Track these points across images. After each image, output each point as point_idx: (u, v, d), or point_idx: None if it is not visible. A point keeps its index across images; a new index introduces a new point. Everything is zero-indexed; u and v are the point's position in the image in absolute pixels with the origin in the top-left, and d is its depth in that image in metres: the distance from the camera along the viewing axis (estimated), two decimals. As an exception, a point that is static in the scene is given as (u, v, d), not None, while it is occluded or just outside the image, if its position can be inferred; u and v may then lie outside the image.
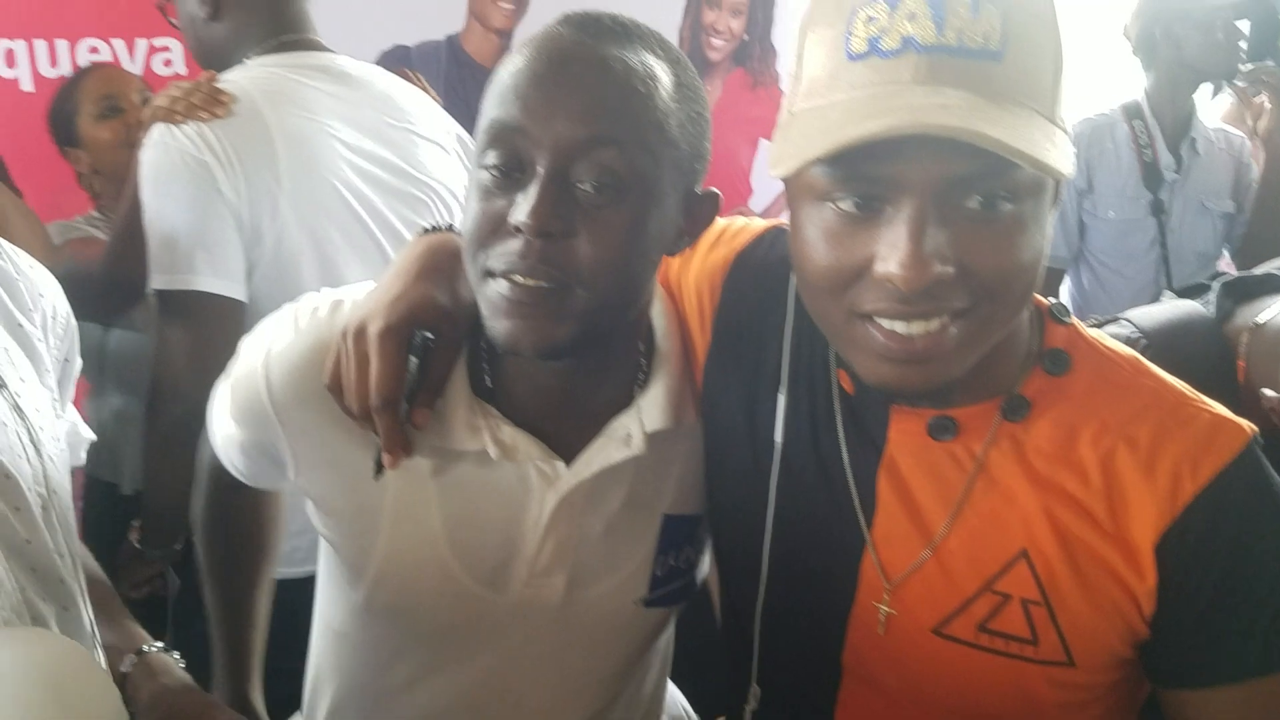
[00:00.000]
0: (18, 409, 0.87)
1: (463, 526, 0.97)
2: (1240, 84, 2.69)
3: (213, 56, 1.74)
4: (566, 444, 0.96)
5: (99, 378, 2.03)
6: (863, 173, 0.75)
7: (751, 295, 1.00)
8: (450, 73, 2.51)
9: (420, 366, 0.90)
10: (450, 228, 1.05)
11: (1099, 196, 2.61)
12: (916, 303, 0.76)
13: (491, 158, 0.83)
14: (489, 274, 0.85)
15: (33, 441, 0.87)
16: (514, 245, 0.83)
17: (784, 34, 2.96)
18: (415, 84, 1.85)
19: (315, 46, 1.75)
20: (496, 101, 0.84)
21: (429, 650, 1.03)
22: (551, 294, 0.84)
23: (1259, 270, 1.50)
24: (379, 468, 0.92)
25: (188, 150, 1.54)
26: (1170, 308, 1.44)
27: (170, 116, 1.57)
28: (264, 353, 0.97)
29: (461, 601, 0.98)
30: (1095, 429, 0.86)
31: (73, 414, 1.11)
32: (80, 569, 0.93)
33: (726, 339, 1.01)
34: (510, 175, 0.83)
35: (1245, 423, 0.85)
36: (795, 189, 0.81)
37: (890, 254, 0.74)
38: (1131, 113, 2.63)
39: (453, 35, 2.51)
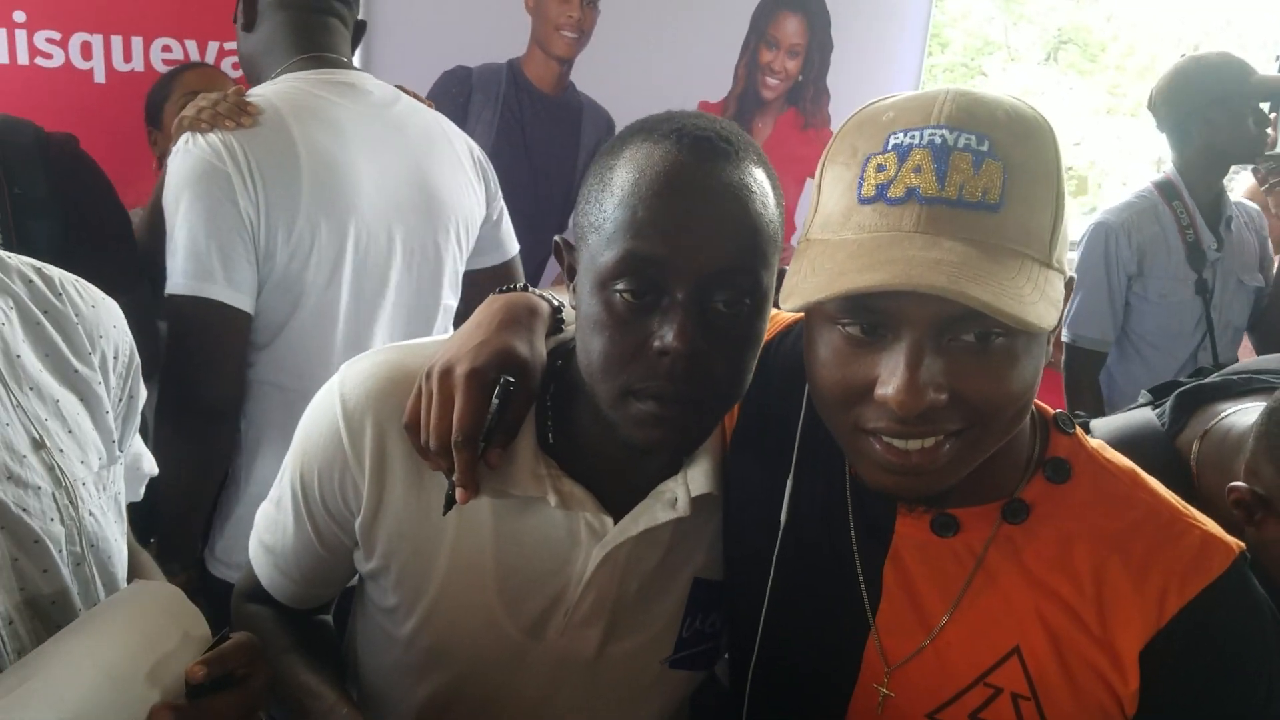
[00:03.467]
0: (55, 470, 0.88)
1: (512, 573, 1.02)
2: (1262, 167, 2.74)
3: (249, 68, 1.78)
4: (615, 502, 1.02)
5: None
6: (867, 305, 0.81)
7: (776, 383, 1.05)
8: (509, 95, 2.57)
9: (499, 409, 0.95)
10: (525, 287, 1.11)
11: (1149, 279, 2.63)
12: (912, 424, 0.81)
13: (627, 284, 0.88)
14: (631, 394, 0.90)
15: (71, 501, 0.89)
16: (658, 367, 0.88)
17: (837, 78, 2.99)
18: (419, 100, 1.86)
19: (342, 64, 1.78)
20: (629, 232, 0.88)
21: (460, 691, 1.07)
22: (692, 405, 0.91)
23: (1218, 376, 1.53)
24: (449, 503, 0.97)
25: (209, 159, 1.57)
26: (1125, 419, 1.48)
27: (196, 125, 1.61)
28: (337, 386, 1.02)
29: (500, 645, 1.03)
30: (1091, 538, 0.90)
31: (137, 447, 1.12)
32: None
33: (751, 421, 1.07)
34: (644, 300, 0.88)
35: (1234, 541, 0.89)
36: (810, 309, 0.86)
37: (889, 379, 0.80)
38: (1168, 194, 2.65)
39: (514, 59, 2.56)
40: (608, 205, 0.90)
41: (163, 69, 2.39)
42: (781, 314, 1.11)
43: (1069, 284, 0.87)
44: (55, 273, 0.98)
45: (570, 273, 0.98)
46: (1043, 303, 0.78)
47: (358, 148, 1.69)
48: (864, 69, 3.01)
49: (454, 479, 0.95)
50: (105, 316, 1.01)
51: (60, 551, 0.87)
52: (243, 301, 1.61)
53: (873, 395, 0.82)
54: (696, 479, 1.03)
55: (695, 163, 0.89)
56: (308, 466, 1.03)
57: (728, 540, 1.08)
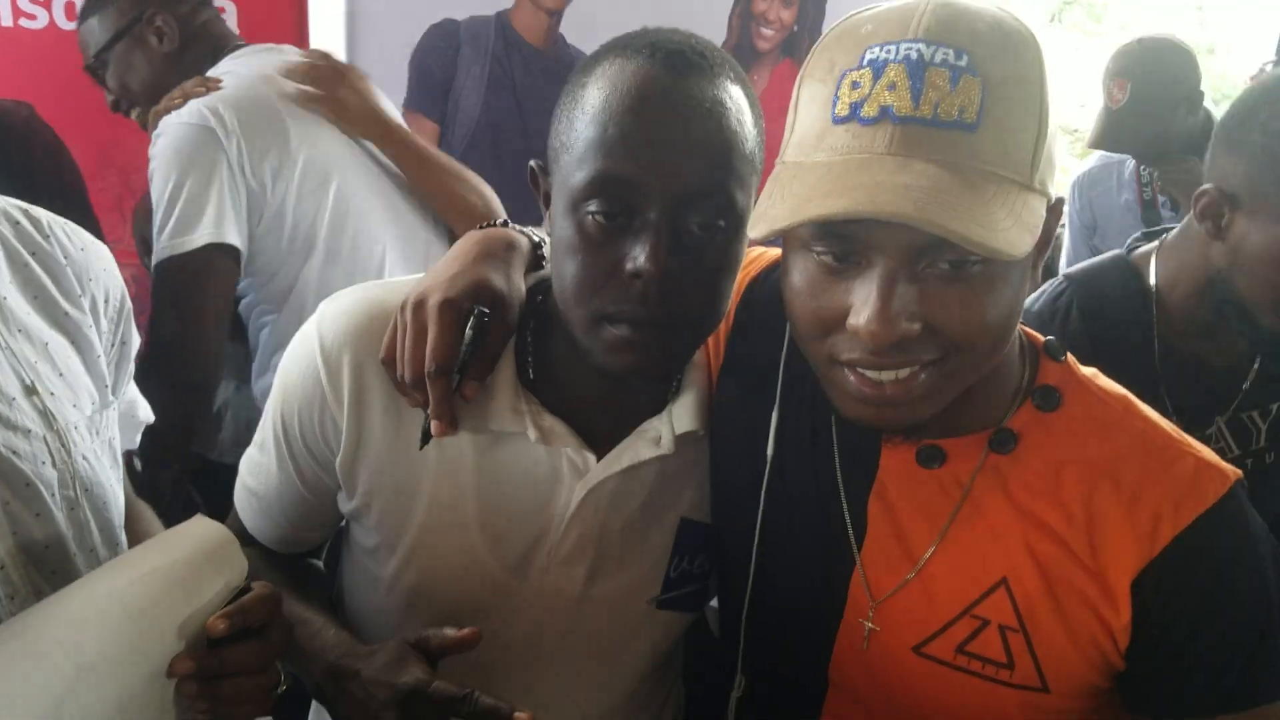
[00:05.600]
0: (46, 414, 0.87)
1: (494, 510, 1.01)
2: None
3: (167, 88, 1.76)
4: (599, 440, 1.00)
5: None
6: (839, 232, 0.78)
7: (760, 319, 1.04)
8: (498, 49, 2.53)
9: (474, 340, 0.94)
10: (505, 223, 1.09)
11: (1103, 234, 2.68)
12: (886, 354, 0.79)
13: (598, 205, 0.86)
14: (604, 318, 0.88)
15: (62, 445, 0.88)
16: (630, 290, 0.87)
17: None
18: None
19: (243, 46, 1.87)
20: (600, 151, 0.86)
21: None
22: (666, 330, 0.89)
23: None
24: (425, 438, 0.96)
25: (189, 121, 1.63)
26: (1097, 258, 1.50)
27: (169, 106, 1.66)
28: (314, 324, 1.01)
29: (484, 585, 1.02)
30: (1081, 466, 0.88)
31: (131, 394, 1.11)
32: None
33: (736, 358, 1.05)
34: (616, 221, 0.86)
35: (1230, 468, 0.87)
36: (784, 235, 0.84)
37: (861, 309, 0.78)
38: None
39: (502, 11, 2.52)
40: (579, 124, 0.88)
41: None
42: (770, 250, 1.10)
43: (1056, 205, 0.84)
44: (43, 214, 0.96)
45: (545, 199, 0.96)
46: (1015, 228, 0.75)
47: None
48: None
49: (429, 412, 0.94)
50: (95, 260, 0.99)
51: (53, 495, 0.86)
52: (234, 238, 1.65)
53: (846, 325, 0.80)
54: (681, 416, 1.01)
55: (668, 78, 0.86)
56: (288, 406, 1.02)
57: (715, 479, 1.07)
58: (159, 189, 1.64)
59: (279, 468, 1.05)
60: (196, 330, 1.66)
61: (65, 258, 0.95)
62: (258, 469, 1.09)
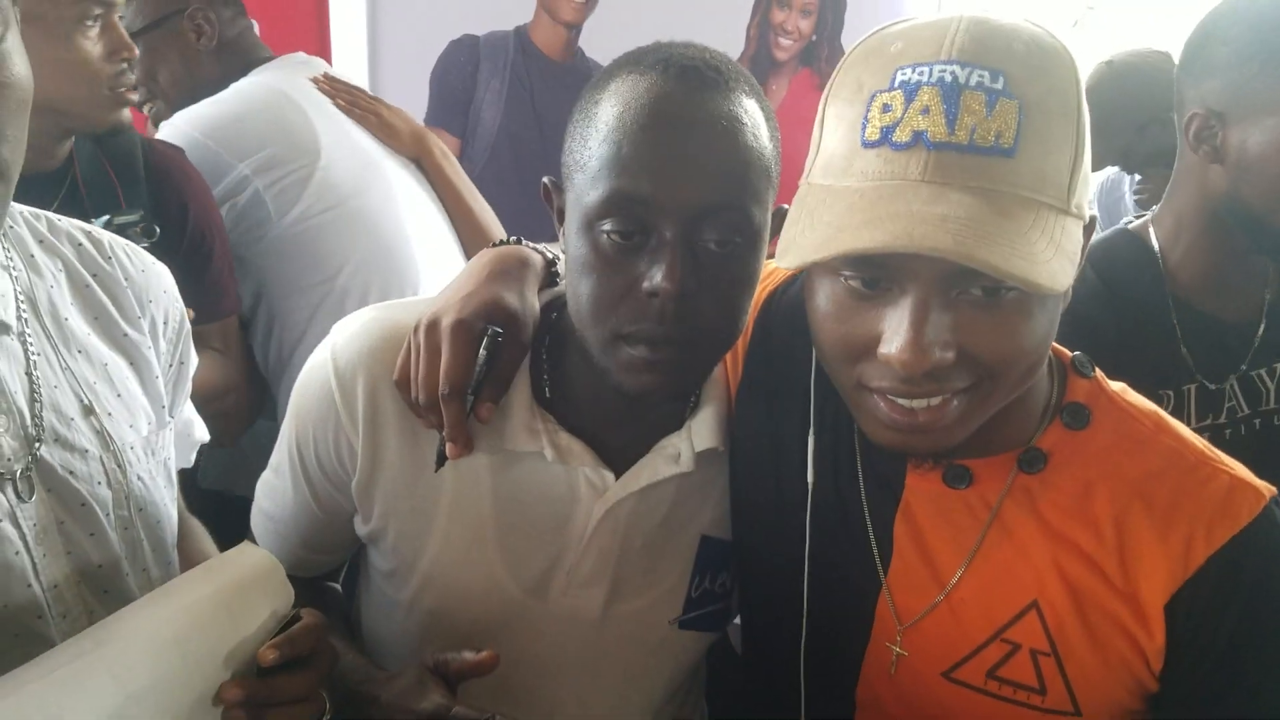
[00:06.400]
0: (104, 434, 0.88)
1: (512, 531, 0.99)
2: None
3: (201, 92, 1.75)
4: (616, 457, 0.99)
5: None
6: (869, 259, 0.76)
7: (781, 334, 1.02)
8: (516, 62, 2.54)
9: (488, 360, 0.94)
10: (518, 240, 1.08)
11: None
12: (918, 383, 0.77)
13: (613, 224, 0.85)
14: (620, 338, 0.87)
15: (118, 465, 0.88)
16: (647, 309, 0.85)
17: (852, 36, 2.93)
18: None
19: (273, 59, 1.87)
20: (615, 169, 0.85)
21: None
22: (684, 348, 0.88)
23: None
24: (440, 460, 0.95)
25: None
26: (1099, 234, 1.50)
27: None
28: (329, 346, 1.00)
29: (503, 607, 1.01)
30: (1112, 485, 0.86)
31: (188, 413, 1.11)
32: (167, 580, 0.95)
33: (757, 374, 1.03)
34: (632, 239, 0.85)
35: (1264, 485, 0.85)
36: None
37: (893, 338, 0.76)
38: None
39: (521, 26, 2.52)
40: (592, 142, 0.87)
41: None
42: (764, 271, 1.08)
43: (1090, 226, 0.82)
44: (105, 236, 0.97)
45: (559, 216, 0.95)
46: (1057, 259, 0.73)
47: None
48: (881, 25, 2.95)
49: (444, 434, 0.93)
50: (155, 281, 0.99)
51: (108, 515, 0.86)
52: None
53: (876, 352, 0.78)
54: (700, 433, 1.00)
55: (682, 93, 0.85)
56: (303, 429, 1.01)
57: (737, 497, 1.05)
58: None
59: (294, 491, 1.05)
60: None
61: (126, 279, 0.96)
62: (273, 492, 1.08)
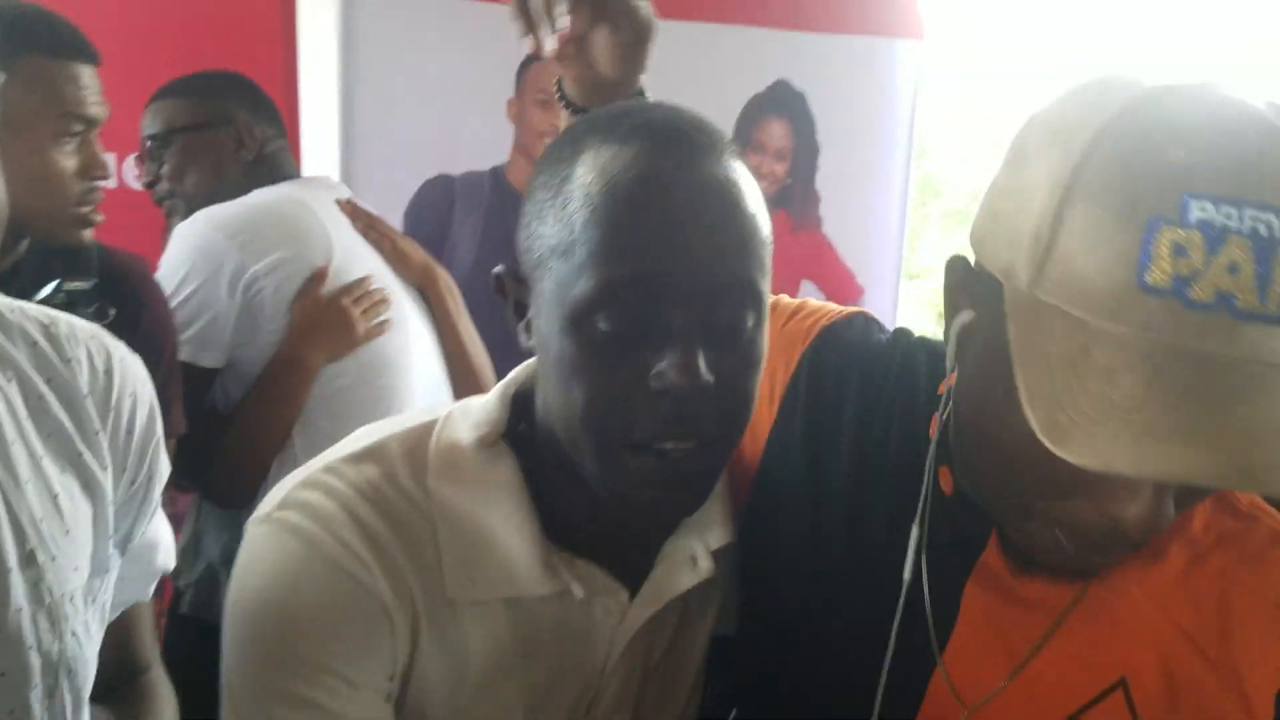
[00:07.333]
0: (38, 590, 0.75)
1: (533, 681, 0.86)
2: None
3: (222, 199, 1.76)
4: (623, 570, 0.86)
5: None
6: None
7: (834, 384, 0.91)
8: (493, 203, 2.53)
9: None
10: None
11: None
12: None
13: (610, 316, 0.72)
14: (625, 447, 0.75)
15: (51, 623, 0.75)
16: (658, 410, 0.73)
17: (826, 182, 2.97)
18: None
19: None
20: (608, 253, 0.72)
21: None
22: (700, 450, 0.76)
23: None
24: None
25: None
26: None
27: None
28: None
29: None
30: (1218, 559, 0.78)
31: (154, 535, 0.95)
32: None
33: (797, 424, 0.92)
34: (633, 331, 0.73)
35: None
36: None
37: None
38: None
39: (497, 167, 2.53)
40: (574, 223, 0.73)
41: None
42: (827, 305, 0.96)
43: None
44: (64, 328, 0.83)
45: (519, 310, 0.84)
46: None
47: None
48: (853, 171, 3.00)
49: None
50: (122, 383, 0.86)
51: (32, 687, 0.74)
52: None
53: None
54: (713, 529, 0.88)
55: (674, 162, 0.73)
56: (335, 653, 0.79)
57: (755, 587, 0.93)
58: None
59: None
60: None
61: (89, 388, 0.83)
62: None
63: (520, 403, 0.86)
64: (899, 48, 3.01)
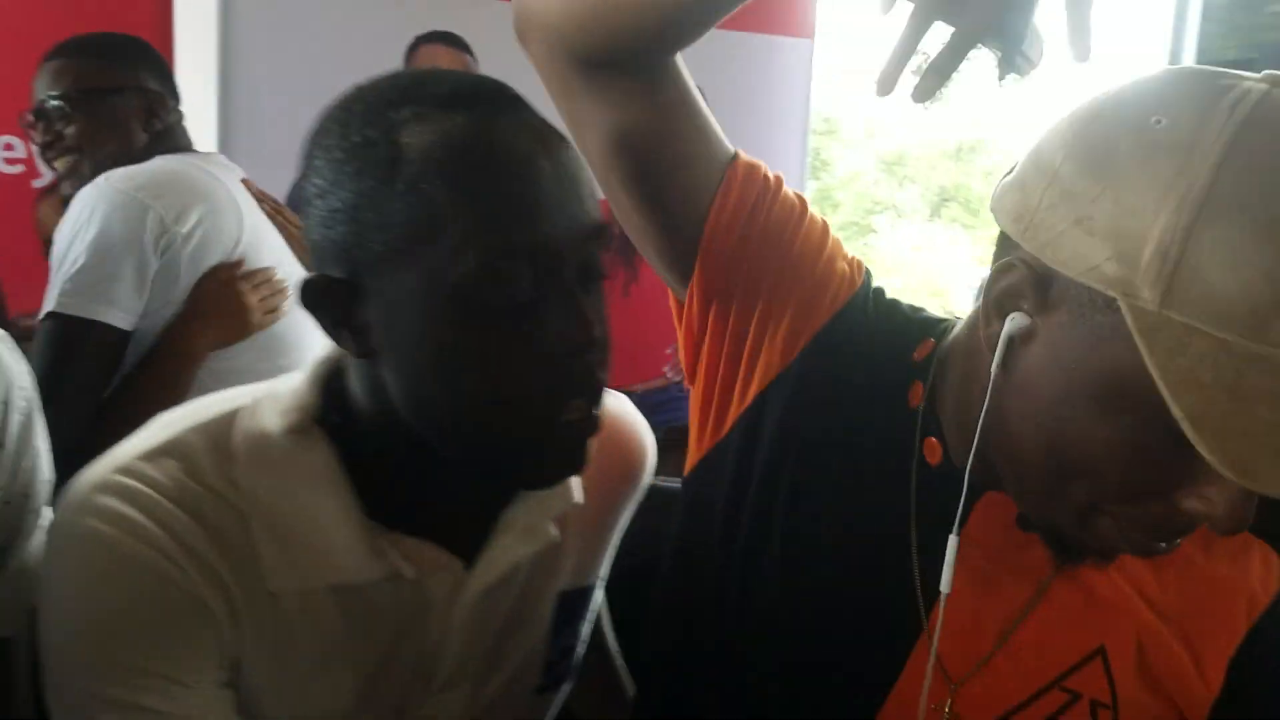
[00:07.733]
0: None
1: (364, 660, 0.82)
2: None
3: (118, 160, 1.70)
4: (459, 544, 0.82)
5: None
6: None
7: (850, 354, 0.87)
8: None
9: None
10: None
11: None
12: None
13: (500, 290, 0.68)
14: (546, 420, 0.71)
15: None
16: (570, 372, 0.70)
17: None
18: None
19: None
20: (485, 226, 0.67)
21: None
22: (597, 406, 0.74)
23: None
24: None
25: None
26: None
27: None
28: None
29: None
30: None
31: (23, 558, 0.87)
32: None
33: (808, 376, 0.87)
34: (518, 300, 0.69)
35: None
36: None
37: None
38: None
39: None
40: (433, 203, 0.68)
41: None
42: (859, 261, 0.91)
43: None
44: None
45: (347, 320, 0.73)
46: None
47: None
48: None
49: None
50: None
51: None
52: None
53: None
54: (558, 494, 0.84)
55: (508, 121, 0.70)
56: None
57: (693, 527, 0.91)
58: None
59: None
60: None
61: None
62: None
63: (331, 386, 0.80)
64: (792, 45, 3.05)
